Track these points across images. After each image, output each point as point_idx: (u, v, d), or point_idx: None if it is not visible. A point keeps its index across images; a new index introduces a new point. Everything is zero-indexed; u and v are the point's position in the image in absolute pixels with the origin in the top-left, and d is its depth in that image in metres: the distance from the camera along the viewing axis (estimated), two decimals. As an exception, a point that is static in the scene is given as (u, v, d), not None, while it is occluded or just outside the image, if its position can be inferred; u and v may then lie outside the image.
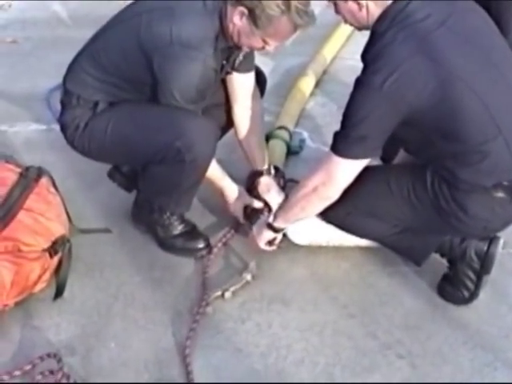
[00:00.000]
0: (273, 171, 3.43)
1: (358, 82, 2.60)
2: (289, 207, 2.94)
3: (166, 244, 3.24)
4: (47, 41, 5.15)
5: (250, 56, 3.20)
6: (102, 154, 3.13)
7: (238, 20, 2.83)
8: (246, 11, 2.79)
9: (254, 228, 3.12)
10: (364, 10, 2.66)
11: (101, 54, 3.01)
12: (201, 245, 3.21)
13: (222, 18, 2.87)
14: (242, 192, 3.29)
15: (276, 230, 3.03)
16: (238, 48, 3.02)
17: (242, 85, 3.29)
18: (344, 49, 4.90)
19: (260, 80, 3.40)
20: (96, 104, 3.03)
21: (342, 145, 2.67)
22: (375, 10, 2.65)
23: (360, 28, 2.78)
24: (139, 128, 2.97)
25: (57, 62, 4.57)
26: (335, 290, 3.04)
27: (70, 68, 3.11)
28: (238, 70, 3.21)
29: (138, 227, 3.34)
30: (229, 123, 3.40)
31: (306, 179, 2.83)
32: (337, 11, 2.76)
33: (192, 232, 3.25)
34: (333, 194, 2.77)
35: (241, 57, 3.12)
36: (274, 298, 3.00)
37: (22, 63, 4.84)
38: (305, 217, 2.95)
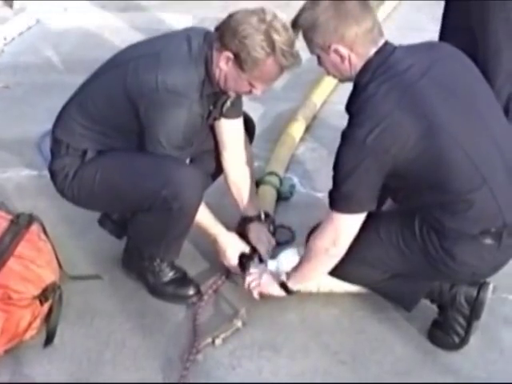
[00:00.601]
0: (263, 217, 3.45)
1: (344, 136, 2.64)
2: (300, 269, 2.96)
3: (156, 291, 3.23)
4: (39, 86, 5.16)
5: (237, 102, 3.22)
6: (91, 202, 3.15)
7: (224, 65, 2.86)
8: (231, 56, 2.83)
9: (264, 277, 3.09)
10: (346, 62, 2.70)
11: (88, 102, 3.05)
12: (191, 292, 3.20)
13: (208, 64, 2.90)
14: (235, 239, 3.29)
15: (289, 291, 3.03)
16: (225, 93, 3.04)
17: (230, 131, 3.32)
18: (333, 94, 4.92)
19: (249, 127, 3.43)
20: (85, 152, 3.05)
21: (338, 202, 2.72)
22: (358, 62, 2.69)
23: (343, 80, 2.82)
24: (127, 176, 2.98)
25: (48, 107, 4.60)
26: (326, 337, 3.04)
27: (59, 116, 3.15)
28: (226, 116, 3.23)
29: (129, 274, 3.33)
30: (219, 169, 3.42)
31: (314, 241, 2.85)
32: (319, 63, 2.79)
33: (182, 279, 3.25)
34: (342, 250, 2.81)
35: (228, 103, 3.14)
36: (264, 345, 3.00)
37: (13, 108, 4.86)
38: (316, 277, 2.98)
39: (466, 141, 2.61)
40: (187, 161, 3.10)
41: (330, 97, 4.91)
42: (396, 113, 2.56)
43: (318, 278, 3.02)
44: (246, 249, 3.28)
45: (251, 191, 3.43)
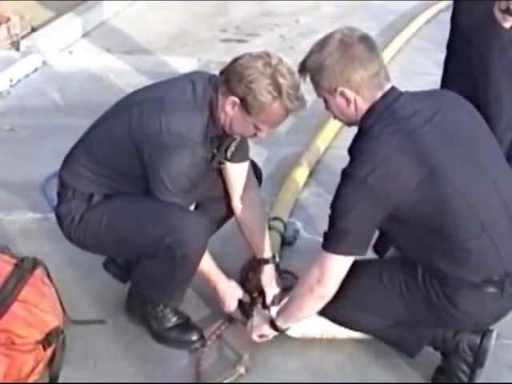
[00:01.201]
0: (278, 259, 3.45)
1: (344, 175, 2.66)
2: (287, 308, 2.96)
3: (159, 336, 3.22)
4: (45, 129, 5.18)
5: (243, 146, 3.24)
6: (96, 247, 3.15)
7: (230, 109, 2.88)
8: (237, 100, 2.85)
9: (255, 319, 3.10)
10: (352, 106, 2.72)
11: (94, 146, 3.07)
12: (194, 337, 3.19)
13: (213, 108, 2.92)
14: (235, 287, 3.27)
15: (277, 329, 3.02)
16: (229, 136, 3.06)
17: (238, 175, 3.33)
18: (337, 138, 4.94)
19: (255, 173, 3.44)
20: (91, 196, 3.06)
21: (329, 240, 2.72)
22: (363, 105, 2.71)
23: (349, 124, 2.84)
24: (131, 222, 2.99)
25: (54, 150, 4.63)
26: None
27: (66, 160, 3.17)
28: (232, 161, 3.24)
29: (132, 319, 3.32)
30: (225, 216, 3.44)
31: (302, 279, 2.88)
32: (327, 107, 2.82)
33: (185, 324, 3.24)
34: (327, 291, 2.78)
35: (232, 147, 3.16)
36: (267, 391, 2.99)
37: (19, 151, 4.87)
38: (304, 317, 2.95)
39: (466, 189, 2.62)
40: (193, 206, 3.11)
41: (334, 141, 4.93)
42: (398, 156, 2.58)
43: (307, 318, 2.98)
44: (245, 297, 3.27)
45: (263, 234, 3.42)
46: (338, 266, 2.73)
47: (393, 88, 2.74)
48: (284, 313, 2.98)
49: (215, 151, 3.09)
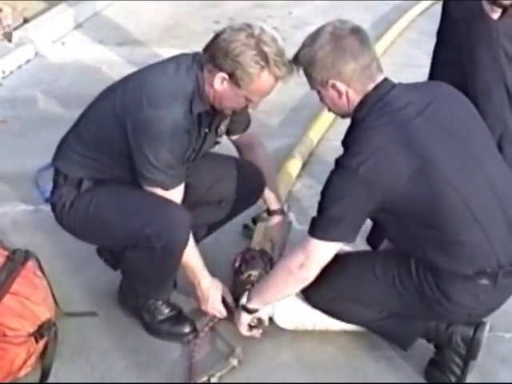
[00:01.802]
0: (286, 209, 3.53)
1: (337, 164, 2.66)
2: (265, 289, 2.96)
3: (151, 329, 3.21)
4: (37, 120, 5.17)
5: (241, 118, 3.30)
6: (85, 234, 3.15)
7: (219, 85, 2.87)
8: (226, 76, 2.84)
9: (236, 314, 3.11)
10: (344, 98, 2.72)
11: (82, 130, 3.08)
12: (187, 329, 3.18)
13: (199, 85, 2.90)
14: (219, 285, 3.23)
15: (250, 311, 3.02)
16: (219, 113, 3.06)
17: (242, 143, 3.44)
18: (330, 130, 4.94)
19: (259, 179, 3.45)
20: (80, 182, 3.06)
21: (317, 227, 2.71)
22: (355, 97, 2.72)
23: (342, 115, 2.84)
24: (115, 212, 2.99)
25: (46, 141, 4.59)
26: (322, 375, 3.02)
27: (58, 147, 3.17)
28: (232, 134, 3.34)
29: (125, 310, 3.32)
30: (220, 221, 3.46)
31: (283, 261, 2.88)
32: (321, 100, 2.83)
33: (178, 316, 3.23)
34: (309, 275, 2.79)
35: (222, 127, 3.17)
36: (260, 384, 2.98)
37: (10, 143, 4.86)
38: (281, 298, 2.96)
39: (458, 181, 2.62)
40: (179, 199, 3.05)
41: (327, 133, 4.92)
42: (390, 147, 2.58)
43: (279, 300, 2.99)
44: (229, 296, 3.24)
45: (275, 185, 3.53)
46: (323, 253, 2.73)
47: (385, 79, 2.74)
48: (260, 294, 2.97)
49: (206, 130, 3.08)
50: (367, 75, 2.68)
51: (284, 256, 2.89)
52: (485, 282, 2.68)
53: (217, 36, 2.86)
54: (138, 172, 2.94)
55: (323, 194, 2.70)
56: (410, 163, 2.57)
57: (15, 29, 6.52)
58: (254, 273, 3.34)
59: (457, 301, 2.72)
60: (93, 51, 6.53)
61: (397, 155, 2.58)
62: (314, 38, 2.71)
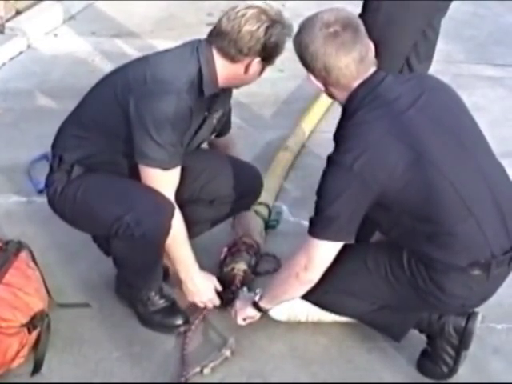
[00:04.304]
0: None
1: (330, 161, 2.64)
2: (272, 290, 2.96)
3: (144, 319, 3.21)
4: (29, 112, 5.16)
5: (225, 119, 3.35)
6: (73, 220, 3.14)
7: (256, 69, 2.98)
8: (258, 59, 2.92)
9: (238, 302, 3.11)
10: (332, 89, 2.73)
11: (82, 113, 3.11)
12: (179, 321, 3.18)
13: (210, 67, 2.94)
14: (211, 277, 3.26)
15: (261, 310, 3.03)
16: (220, 96, 3.10)
17: (220, 145, 3.48)
18: (323, 122, 4.94)
19: (255, 182, 3.50)
20: (72, 167, 3.06)
21: (317, 226, 2.69)
22: (340, 94, 2.72)
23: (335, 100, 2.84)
24: (100, 199, 2.99)
25: (39, 133, 4.64)
26: (315, 366, 3.04)
27: (57, 132, 3.18)
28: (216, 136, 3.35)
29: (117, 302, 3.32)
30: (214, 220, 3.47)
31: (287, 263, 2.87)
32: (309, 81, 2.81)
33: (171, 308, 3.22)
34: (313, 276, 2.78)
35: (220, 111, 3.20)
36: (253, 374, 2.99)
37: (3, 135, 4.83)
38: (288, 299, 2.96)
39: (452, 173, 2.62)
40: (172, 193, 3.04)
41: (319, 125, 4.92)
42: (384, 141, 2.57)
43: (292, 300, 2.99)
44: (219, 286, 3.26)
45: None
46: (325, 253, 2.72)
47: (376, 72, 2.72)
48: (268, 295, 2.98)
49: (206, 113, 3.10)
50: (358, 67, 2.65)
51: (288, 258, 2.88)
52: (478, 272, 2.68)
53: (233, 29, 2.90)
54: (138, 150, 2.93)
55: (319, 193, 2.69)
56: (404, 156, 2.56)
57: (7, 20, 6.48)
58: (238, 266, 3.36)
59: (450, 292, 2.72)
60: (85, 43, 6.50)
61: (391, 149, 2.57)
62: (307, 26, 2.68)
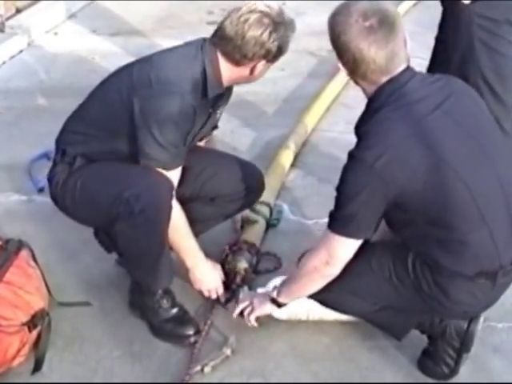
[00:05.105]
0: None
1: (351, 157, 2.61)
2: (291, 285, 2.94)
3: (156, 329, 3.16)
4: (30, 111, 5.16)
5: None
6: (75, 211, 3.14)
7: (260, 70, 3.00)
8: (264, 61, 2.95)
9: (255, 300, 3.09)
10: (361, 82, 2.69)
11: (86, 110, 3.13)
12: (190, 331, 3.13)
13: (214, 68, 2.96)
14: (216, 267, 3.29)
15: (279, 305, 3.02)
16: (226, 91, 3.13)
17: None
18: (323, 121, 4.93)
19: (257, 179, 3.49)
20: (74, 159, 3.07)
21: (337, 223, 2.68)
22: (367, 87, 2.68)
23: None
24: (100, 183, 3.00)
25: (39, 132, 4.64)
26: (315, 365, 3.03)
27: (62, 128, 3.19)
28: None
29: (118, 300, 3.31)
30: (214, 219, 3.47)
31: (307, 258, 2.84)
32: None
33: (183, 317, 3.19)
34: (335, 271, 2.77)
35: (222, 108, 3.24)
36: (253, 373, 2.99)
37: (4, 133, 4.84)
38: (307, 294, 2.94)
39: (470, 180, 2.58)
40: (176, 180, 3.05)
41: (320, 124, 4.92)
42: (406, 142, 2.53)
43: (306, 295, 2.98)
44: (222, 275, 3.29)
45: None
46: (346, 248, 2.71)
47: (406, 69, 2.65)
48: (288, 290, 2.96)
49: (210, 110, 3.13)
50: (389, 66, 2.60)
51: (308, 253, 2.85)
52: (484, 281, 2.66)
53: (236, 34, 2.90)
54: (141, 151, 2.94)
55: (339, 189, 2.66)
56: (426, 158, 2.53)
57: (7, 19, 6.50)
58: (240, 264, 3.36)
59: (454, 298, 2.70)
60: (86, 41, 6.52)
61: (413, 151, 2.53)
62: (344, 12, 2.60)
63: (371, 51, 2.56)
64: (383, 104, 2.62)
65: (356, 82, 2.74)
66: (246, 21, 2.89)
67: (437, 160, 2.54)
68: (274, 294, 3.01)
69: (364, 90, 2.73)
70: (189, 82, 2.91)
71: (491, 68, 3.43)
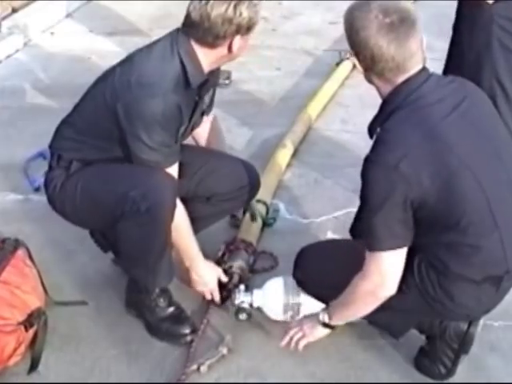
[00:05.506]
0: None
1: (370, 161, 2.53)
2: (344, 310, 2.84)
3: (153, 328, 3.17)
4: (26, 110, 5.16)
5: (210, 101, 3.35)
6: (75, 214, 3.13)
7: (240, 45, 2.94)
8: (238, 36, 2.90)
9: (305, 326, 2.98)
10: (374, 86, 2.66)
11: (76, 115, 3.12)
12: (187, 330, 3.13)
13: (191, 57, 2.93)
14: (214, 266, 3.28)
15: (332, 328, 2.94)
16: (210, 77, 3.09)
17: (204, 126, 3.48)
18: (320, 119, 4.93)
19: (252, 178, 3.46)
20: (70, 163, 3.07)
21: (375, 240, 2.58)
22: (383, 86, 2.62)
23: None
24: (101, 183, 3.00)
25: (35, 131, 4.64)
26: (312, 364, 3.03)
27: (54, 134, 3.18)
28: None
29: (115, 299, 3.31)
30: (210, 218, 3.46)
31: (357, 285, 2.71)
32: None
33: (179, 315, 3.19)
34: (391, 289, 2.65)
35: (210, 93, 3.23)
36: (250, 372, 2.99)
37: (0, 132, 4.84)
38: (363, 315, 2.85)
39: (486, 183, 2.54)
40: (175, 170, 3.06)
41: (317, 123, 4.91)
42: (426, 144, 2.49)
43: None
44: (224, 277, 3.27)
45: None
46: (395, 262, 2.60)
47: (423, 70, 2.60)
48: (340, 314, 2.87)
49: (197, 98, 3.10)
50: (406, 66, 2.55)
51: (357, 279, 2.69)
52: (489, 286, 2.65)
53: (206, 15, 2.88)
54: (133, 155, 2.94)
55: (364, 198, 2.57)
56: (446, 161, 2.48)
57: (4, 18, 6.48)
58: (236, 264, 3.36)
59: (458, 301, 2.67)
60: (82, 41, 6.51)
61: (434, 153, 2.48)
62: (362, 9, 2.56)
63: (391, 49, 2.51)
64: (400, 105, 2.56)
65: (370, 81, 2.67)
66: (207, 2, 2.86)
67: (456, 162, 2.49)
68: (326, 319, 2.91)
69: (378, 89, 2.67)
70: (169, 79, 2.89)
71: (506, 69, 3.43)
